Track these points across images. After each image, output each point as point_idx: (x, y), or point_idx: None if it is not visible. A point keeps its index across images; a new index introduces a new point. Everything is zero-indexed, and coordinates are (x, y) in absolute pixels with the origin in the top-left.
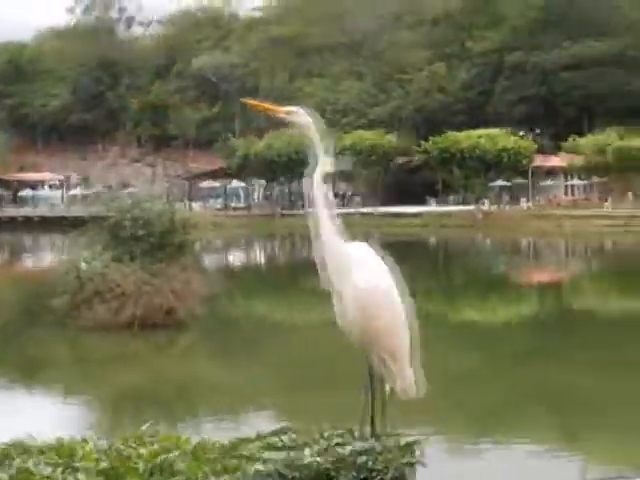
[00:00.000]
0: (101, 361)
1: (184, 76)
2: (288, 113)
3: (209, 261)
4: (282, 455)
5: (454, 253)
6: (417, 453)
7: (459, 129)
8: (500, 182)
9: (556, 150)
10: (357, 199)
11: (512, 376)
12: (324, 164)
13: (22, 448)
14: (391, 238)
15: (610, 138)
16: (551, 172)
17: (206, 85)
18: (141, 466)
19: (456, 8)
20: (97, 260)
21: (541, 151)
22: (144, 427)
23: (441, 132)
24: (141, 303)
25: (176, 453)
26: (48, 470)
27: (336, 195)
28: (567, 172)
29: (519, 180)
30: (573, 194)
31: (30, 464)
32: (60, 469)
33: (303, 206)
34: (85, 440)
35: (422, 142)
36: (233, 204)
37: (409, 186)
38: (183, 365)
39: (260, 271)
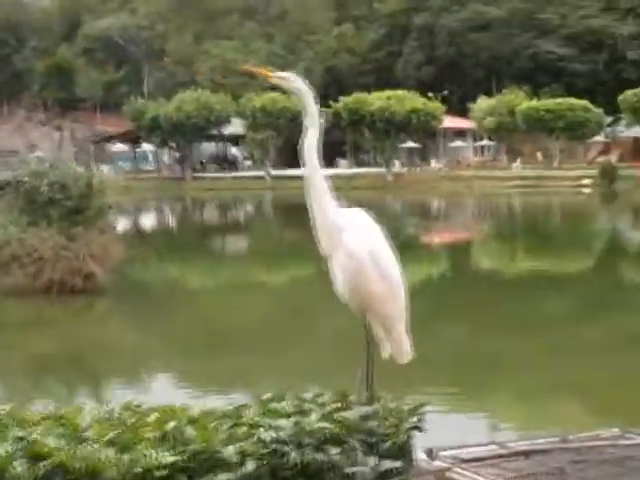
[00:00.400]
0: (17, 326)
1: (90, 38)
2: (281, 79)
3: (121, 225)
4: (290, 422)
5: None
6: (422, 416)
7: (367, 90)
8: (410, 144)
9: (465, 111)
10: (248, 163)
11: (418, 337)
12: (317, 128)
13: (13, 418)
14: (299, 200)
15: (518, 99)
16: (460, 133)
17: (112, 47)
18: (151, 434)
19: None
20: (13, 225)
21: (450, 112)
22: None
23: (350, 93)
24: (59, 268)
25: (184, 421)
26: (56, 442)
27: (225, 159)
28: (476, 133)
29: (429, 141)
30: (482, 155)
31: (36, 435)
32: (65, 440)
33: (214, 168)
34: (79, 409)
35: (332, 103)
36: (143, 167)
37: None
38: (98, 330)
39: (171, 234)
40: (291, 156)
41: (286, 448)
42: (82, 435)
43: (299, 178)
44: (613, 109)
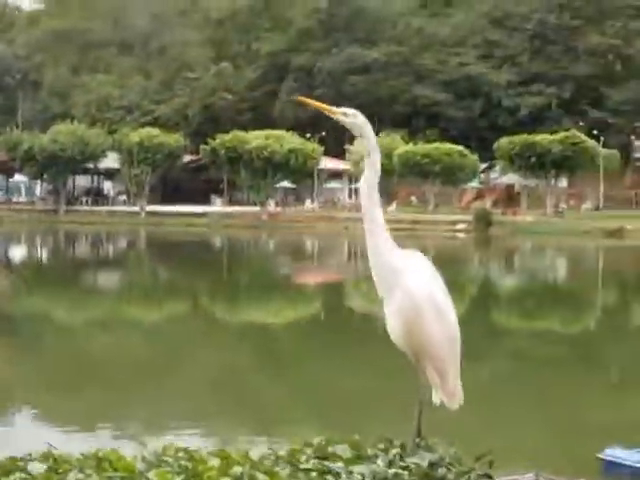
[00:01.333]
0: None
1: None
2: (345, 115)
3: None
4: (363, 468)
5: (238, 254)
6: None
7: (245, 129)
8: (286, 183)
9: (341, 152)
10: (122, 198)
11: (289, 377)
12: (378, 166)
13: (53, 460)
14: (174, 237)
15: (395, 142)
16: (336, 175)
17: None
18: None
19: (241, 9)
20: None
21: (326, 154)
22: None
23: (227, 131)
24: None
25: (247, 467)
26: None
27: (99, 193)
28: (352, 175)
29: (304, 182)
30: (357, 197)
31: None
32: None
33: (87, 202)
34: (115, 451)
35: (209, 140)
36: (15, 198)
37: (193, 185)
38: None
39: (41, 268)
40: (166, 192)
41: None
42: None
43: (173, 215)
44: (487, 155)
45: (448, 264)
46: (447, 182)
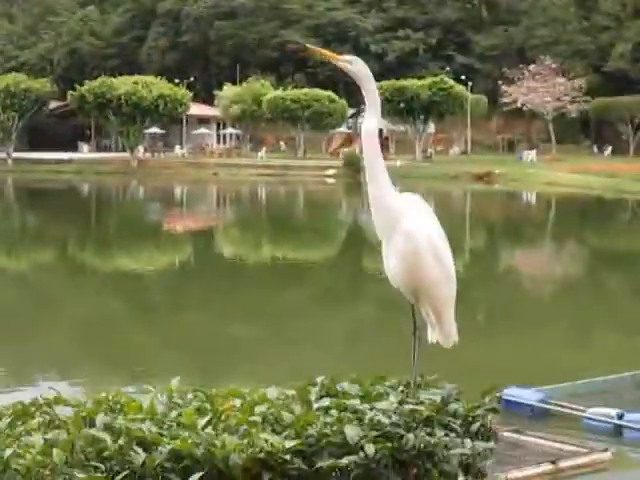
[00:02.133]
0: None
1: None
2: (349, 62)
3: None
4: (391, 404)
5: (107, 201)
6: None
7: (112, 74)
8: (154, 129)
9: (209, 98)
10: None
11: (161, 324)
12: (378, 113)
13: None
14: (42, 185)
15: (264, 88)
16: (204, 121)
17: None
18: (252, 419)
19: None
20: None
21: (195, 99)
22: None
23: (94, 77)
24: None
25: (268, 404)
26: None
27: None
28: (220, 121)
29: (173, 128)
30: (225, 142)
31: (125, 422)
32: (157, 427)
33: None
34: (123, 394)
35: (77, 86)
36: None
37: (59, 131)
38: None
39: None
40: (33, 139)
41: (400, 431)
42: (172, 421)
43: (42, 162)
44: (355, 100)
45: (318, 209)
46: (316, 127)
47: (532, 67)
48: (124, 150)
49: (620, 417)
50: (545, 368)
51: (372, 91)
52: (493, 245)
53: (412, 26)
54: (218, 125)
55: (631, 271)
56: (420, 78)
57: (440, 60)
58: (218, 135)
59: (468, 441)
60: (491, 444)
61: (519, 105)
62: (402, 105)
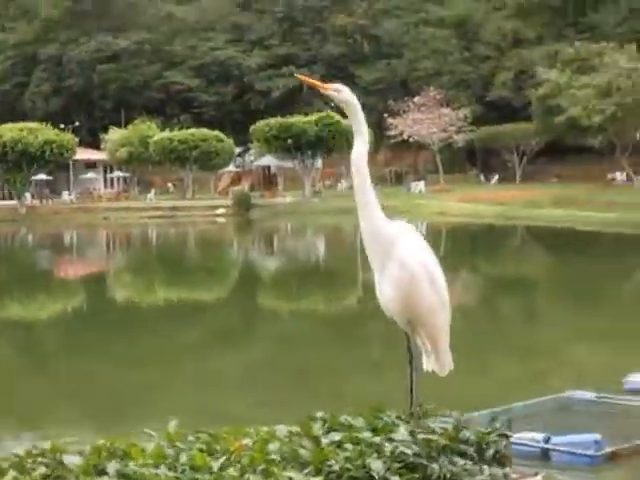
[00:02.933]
0: None
1: None
2: (337, 90)
3: None
4: (405, 435)
5: None
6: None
7: None
8: (41, 176)
9: (96, 142)
10: None
11: (57, 372)
12: (366, 139)
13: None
14: None
15: (151, 130)
16: (91, 165)
17: None
18: (271, 457)
19: None
20: None
21: (81, 144)
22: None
23: None
24: None
25: (276, 441)
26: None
27: None
28: (107, 164)
29: (59, 173)
30: (113, 186)
31: (140, 469)
32: (173, 472)
33: None
34: (123, 440)
35: None
36: None
37: None
38: None
39: None
40: None
41: (423, 461)
42: (186, 465)
43: None
44: (242, 139)
45: (210, 249)
46: (204, 167)
47: (417, 99)
48: (11, 198)
49: (547, 441)
50: (443, 396)
51: (360, 119)
52: None
53: (295, 63)
54: (105, 169)
55: (523, 296)
56: (306, 114)
57: (324, 96)
58: (106, 179)
59: (485, 467)
60: (507, 469)
61: (405, 137)
62: (289, 142)
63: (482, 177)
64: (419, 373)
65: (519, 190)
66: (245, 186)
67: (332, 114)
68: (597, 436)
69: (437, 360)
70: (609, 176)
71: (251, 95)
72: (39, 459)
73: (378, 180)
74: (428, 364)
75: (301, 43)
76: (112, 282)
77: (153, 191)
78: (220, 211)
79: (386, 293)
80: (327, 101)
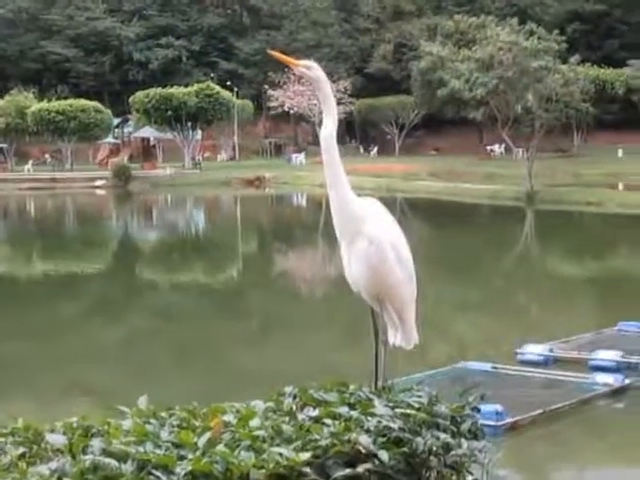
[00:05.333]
0: None
1: None
2: (307, 67)
3: None
4: (388, 409)
5: None
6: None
7: None
8: None
9: None
10: None
11: None
12: (335, 117)
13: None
14: None
15: (28, 100)
16: None
17: None
18: (255, 433)
19: None
20: None
21: None
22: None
23: None
24: None
25: (256, 417)
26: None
27: None
28: None
29: None
30: None
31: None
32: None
33: None
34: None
35: None
36: None
37: None
38: None
39: None
40: None
41: (407, 435)
42: (168, 441)
43: None
44: (121, 110)
45: (89, 221)
46: (83, 139)
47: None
48: None
49: None
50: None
51: (329, 96)
52: (265, 249)
53: (174, 33)
54: None
55: None
56: (185, 85)
57: (204, 67)
58: None
59: (464, 441)
60: (483, 442)
61: (286, 109)
62: (169, 113)
63: (361, 149)
64: (387, 348)
65: (398, 162)
66: (124, 158)
67: (212, 85)
68: (498, 407)
69: (403, 334)
70: (488, 148)
71: (130, 66)
72: (14, 438)
73: (257, 152)
74: (395, 338)
75: (180, 14)
76: None
77: (31, 162)
78: (99, 183)
79: (354, 269)
80: (207, 72)
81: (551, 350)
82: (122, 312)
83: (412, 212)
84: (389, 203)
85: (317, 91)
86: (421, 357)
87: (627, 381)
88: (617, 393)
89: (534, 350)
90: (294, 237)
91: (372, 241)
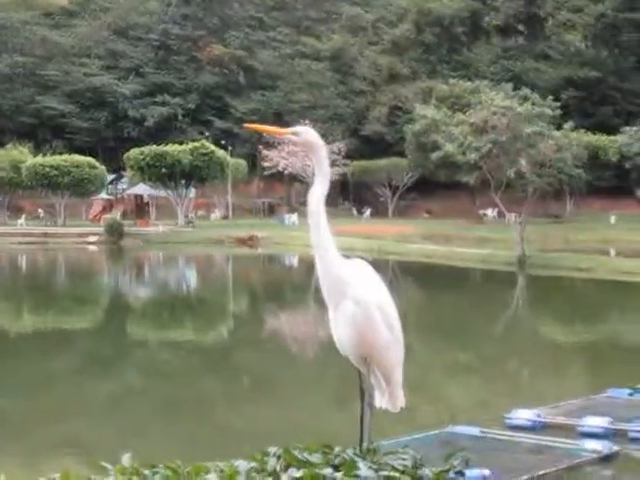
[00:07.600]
0: None
1: None
2: (295, 134)
3: None
4: (372, 472)
5: None
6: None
7: None
8: None
9: None
10: None
11: None
12: (327, 180)
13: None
14: None
15: (23, 154)
16: None
17: None
18: None
19: None
20: None
21: None
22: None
23: None
24: None
25: (239, 477)
26: None
27: None
28: None
29: None
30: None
31: None
32: None
33: None
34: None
35: None
36: None
37: None
38: None
39: None
40: None
41: None
42: None
43: None
44: (115, 166)
45: (80, 276)
46: (76, 194)
47: None
48: None
49: None
50: (325, 432)
51: (322, 158)
52: (256, 309)
53: (170, 91)
54: None
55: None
56: (180, 143)
57: (199, 125)
58: None
59: None
60: None
61: (280, 169)
62: (163, 170)
63: (354, 211)
64: (372, 410)
65: (391, 225)
66: (117, 214)
67: (207, 144)
68: (485, 471)
69: (390, 397)
70: (480, 212)
71: (125, 122)
72: None
73: (250, 211)
74: (381, 401)
75: (176, 72)
76: None
77: (24, 216)
78: (92, 238)
79: (341, 331)
80: (202, 130)
81: (540, 415)
82: (111, 368)
83: (403, 275)
84: (381, 265)
85: (310, 154)
86: (410, 420)
87: (615, 448)
88: (605, 460)
89: (523, 415)
90: (285, 298)
91: (358, 302)
